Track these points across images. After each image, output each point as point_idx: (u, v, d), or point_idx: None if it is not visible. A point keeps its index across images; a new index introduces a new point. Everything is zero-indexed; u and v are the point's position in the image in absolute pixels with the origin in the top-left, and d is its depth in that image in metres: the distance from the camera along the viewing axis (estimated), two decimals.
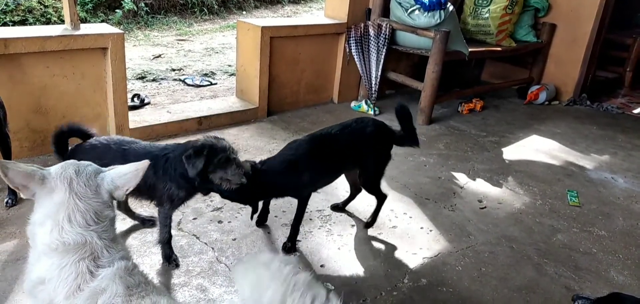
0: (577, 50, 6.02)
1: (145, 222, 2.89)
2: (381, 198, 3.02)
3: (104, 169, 1.44)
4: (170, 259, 2.56)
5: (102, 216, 1.37)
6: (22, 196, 1.36)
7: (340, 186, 3.37)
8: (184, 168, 2.25)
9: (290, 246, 2.75)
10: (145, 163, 1.41)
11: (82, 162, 1.42)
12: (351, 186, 3.16)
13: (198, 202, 3.13)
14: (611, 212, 3.52)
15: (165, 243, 2.55)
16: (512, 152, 4.55)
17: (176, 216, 2.96)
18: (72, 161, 1.41)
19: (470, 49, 5.11)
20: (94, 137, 2.50)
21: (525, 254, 2.93)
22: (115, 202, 1.45)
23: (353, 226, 3.05)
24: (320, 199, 3.31)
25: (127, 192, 1.40)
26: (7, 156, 2.88)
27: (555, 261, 2.88)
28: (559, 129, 5.26)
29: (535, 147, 4.70)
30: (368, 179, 2.92)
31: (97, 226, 1.34)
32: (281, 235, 2.90)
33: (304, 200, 2.73)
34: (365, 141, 2.78)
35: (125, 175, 1.40)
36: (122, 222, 2.83)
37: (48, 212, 1.32)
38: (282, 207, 3.18)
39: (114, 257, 1.34)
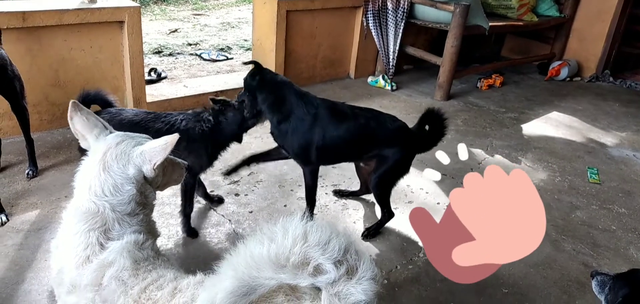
0: (601, 25, 5.86)
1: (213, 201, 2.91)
2: (387, 214, 2.73)
3: (144, 141, 1.41)
4: (190, 232, 2.60)
5: (121, 189, 1.36)
6: (81, 144, 1.42)
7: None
8: (218, 124, 2.43)
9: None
10: (174, 136, 1.35)
11: (132, 134, 1.42)
12: (362, 185, 3.01)
13: (215, 175, 3.15)
14: (632, 190, 3.45)
15: (187, 215, 2.58)
16: (532, 128, 4.47)
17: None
18: (125, 133, 1.41)
19: (490, 24, 5.00)
20: (111, 108, 2.51)
21: None
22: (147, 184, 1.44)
23: (369, 201, 3.05)
24: (337, 174, 3.31)
25: (155, 166, 1.37)
26: (26, 128, 2.92)
27: (573, 238, 2.84)
28: (580, 105, 5.15)
29: (555, 124, 4.61)
30: (379, 183, 2.62)
31: (112, 197, 1.35)
32: (298, 208, 2.91)
33: (309, 173, 2.63)
34: (389, 137, 2.55)
35: (153, 149, 1.36)
36: None
37: (82, 176, 1.37)
38: (299, 181, 3.18)
39: (126, 230, 1.35)
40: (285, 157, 2.74)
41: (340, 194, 3.09)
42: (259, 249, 0.99)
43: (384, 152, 2.55)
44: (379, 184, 2.63)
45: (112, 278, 1.26)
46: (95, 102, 2.51)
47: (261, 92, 2.48)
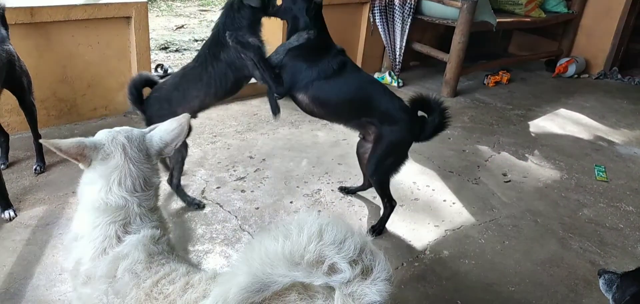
0: (610, 21, 5.81)
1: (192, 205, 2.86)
2: (388, 204, 2.67)
3: (146, 130, 1.48)
4: (193, 203, 2.75)
5: (150, 182, 1.43)
6: (81, 166, 1.40)
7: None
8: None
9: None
10: (185, 116, 1.46)
11: (127, 128, 1.45)
12: (365, 178, 2.95)
13: (221, 171, 3.16)
14: None
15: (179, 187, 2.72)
16: (539, 125, 4.45)
17: (200, 184, 3.00)
18: (119, 128, 1.44)
19: (498, 20, 4.98)
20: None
21: (549, 228, 2.88)
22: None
23: (374, 197, 3.04)
24: (342, 171, 3.30)
25: (177, 146, 1.46)
26: (33, 124, 2.93)
27: (580, 236, 2.83)
28: (588, 102, 5.11)
29: (562, 121, 4.58)
30: (377, 168, 2.56)
31: (142, 193, 1.40)
32: (303, 204, 2.92)
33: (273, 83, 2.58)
34: (389, 111, 2.50)
35: (172, 131, 1.44)
36: None
37: (101, 174, 1.37)
38: (304, 178, 3.18)
39: (145, 225, 1.38)
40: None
41: (346, 191, 3.08)
42: (273, 246, 0.99)
43: (382, 128, 2.51)
44: (377, 170, 2.57)
45: (126, 271, 1.28)
46: (145, 85, 2.64)
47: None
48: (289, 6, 2.57)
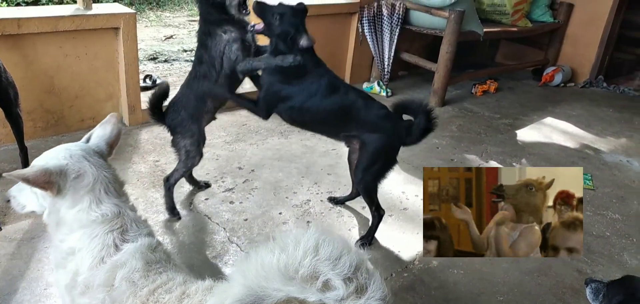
0: (595, 30, 5.90)
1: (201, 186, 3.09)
2: (376, 213, 2.66)
3: (83, 140, 1.51)
4: (171, 210, 2.76)
5: (122, 183, 1.48)
6: (47, 196, 1.36)
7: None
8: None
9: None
10: (112, 115, 1.55)
11: (67, 145, 1.45)
12: (354, 186, 2.95)
13: (209, 181, 3.15)
14: (626, 196, 3.47)
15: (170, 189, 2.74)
16: (526, 134, 4.49)
17: (188, 196, 2.99)
18: (59, 148, 1.43)
19: (485, 29, 5.03)
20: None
21: None
22: None
23: (363, 207, 3.05)
24: (331, 181, 3.31)
25: (117, 145, 1.53)
26: (20, 136, 2.90)
27: None
28: (574, 111, 5.17)
29: (549, 130, 4.63)
30: (364, 175, 2.55)
31: (123, 196, 1.46)
32: (292, 215, 2.91)
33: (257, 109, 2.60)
34: (372, 120, 2.51)
35: (105, 135, 1.50)
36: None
37: (83, 191, 1.36)
38: (294, 188, 3.18)
39: (141, 232, 1.40)
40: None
41: (335, 201, 3.08)
42: (269, 259, 0.99)
43: (365, 136, 2.52)
44: (364, 177, 2.56)
45: (123, 279, 1.29)
46: (164, 99, 2.67)
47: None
48: (274, 28, 2.49)
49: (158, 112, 2.65)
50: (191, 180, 3.07)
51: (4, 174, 1.37)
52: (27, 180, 1.29)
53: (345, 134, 2.61)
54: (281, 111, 2.58)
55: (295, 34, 2.45)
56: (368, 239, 2.71)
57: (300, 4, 2.55)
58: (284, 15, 2.47)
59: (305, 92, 2.49)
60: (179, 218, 2.78)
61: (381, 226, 2.73)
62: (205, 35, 2.53)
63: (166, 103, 2.71)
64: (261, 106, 2.58)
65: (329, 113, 2.51)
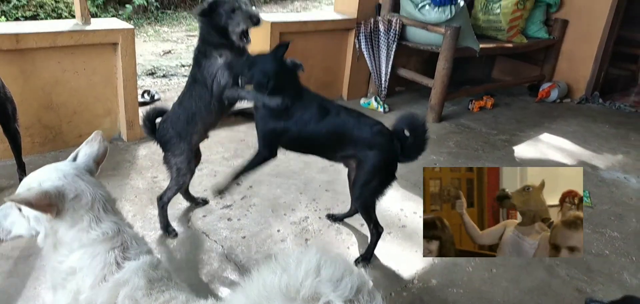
0: (589, 47, 5.95)
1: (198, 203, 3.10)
2: (374, 230, 2.65)
3: (69, 159, 1.51)
4: (167, 229, 2.75)
5: (112, 199, 1.47)
6: (48, 217, 1.34)
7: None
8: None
9: (222, 190, 2.64)
10: (96, 133, 1.56)
11: (56, 165, 1.44)
12: (352, 201, 2.93)
13: (207, 198, 3.14)
14: (624, 213, 3.47)
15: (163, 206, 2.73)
16: (523, 150, 4.51)
17: (186, 212, 2.97)
18: (49, 167, 1.42)
19: (481, 46, 5.07)
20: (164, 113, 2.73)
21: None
22: None
23: (362, 225, 3.04)
24: (330, 198, 3.30)
25: (103, 159, 1.54)
26: (17, 152, 2.90)
27: (566, 263, 2.85)
28: (571, 127, 5.20)
29: (546, 146, 4.65)
30: (361, 192, 2.55)
31: (118, 213, 1.45)
32: (290, 233, 2.90)
33: (259, 155, 2.59)
34: (367, 138, 2.49)
35: (93, 153, 1.51)
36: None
37: (82, 211, 1.36)
38: (292, 205, 3.17)
39: (142, 250, 1.40)
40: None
41: (333, 218, 3.07)
42: (271, 278, 0.98)
43: (361, 154, 2.51)
44: (361, 194, 2.56)
45: (126, 297, 1.28)
46: (157, 116, 2.69)
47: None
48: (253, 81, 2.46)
49: (151, 126, 2.66)
50: (189, 196, 3.06)
51: (5, 199, 1.35)
52: (30, 204, 1.27)
53: (342, 154, 2.60)
54: (281, 144, 2.60)
55: (268, 82, 2.41)
56: (367, 257, 2.69)
57: (279, 45, 2.53)
58: (254, 65, 2.45)
59: (299, 122, 2.49)
60: (176, 235, 2.76)
61: (380, 243, 2.72)
62: (201, 55, 2.53)
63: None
64: (262, 151, 2.58)
65: (325, 136, 2.52)
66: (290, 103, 2.44)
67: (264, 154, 2.59)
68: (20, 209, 1.39)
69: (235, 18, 2.43)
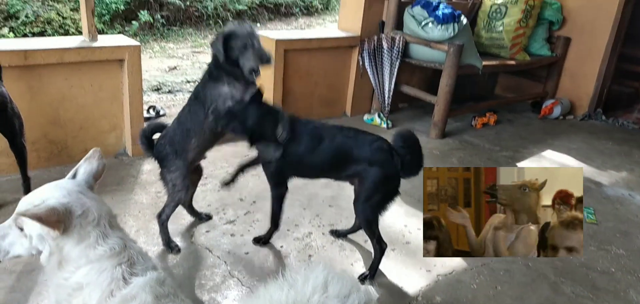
0: (592, 64, 5.96)
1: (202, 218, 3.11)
2: (378, 246, 2.64)
3: (69, 176, 1.54)
4: (169, 245, 2.76)
5: (113, 215, 1.48)
6: (55, 234, 1.34)
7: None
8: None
9: (263, 240, 2.87)
10: (94, 150, 1.58)
11: (57, 183, 1.46)
12: (356, 216, 2.92)
13: (211, 214, 3.14)
14: (629, 230, 3.46)
15: (164, 223, 2.74)
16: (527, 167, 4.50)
17: (189, 228, 2.98)
18: (51, 185, 1.44)
19: (483, 63, 5.09)
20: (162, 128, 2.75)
21: (541, 273, 2.88)
22: None
23: (366, 241, 3.03)
24: (333, 213, 3.30)
25: (101, 175, 1.55)
26: (23, 166, 2.92)
27: (572, 280, 2.83)
28: (574, 144, 5.20)
29: (549, 163, 4.65)
30: (364, 208, 2.58)
31: (122, 229, 1.47)
32: (294, 249, 2.90)
33: (275, 195, 2.74)
34: (367, 156, 2.54)
35: (93, 170, 1.53)
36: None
37: (90, 227, 1.37)
38: (295, 221, 3.18)
39: (148, 266, 1.41)
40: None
41: (336, 234, 3.07)
42: (278, 295, 0.99)
43: (363, 171, 2.55)
44: (364, 210, 2.59)
45: None
46: (155, 132, 2.72)
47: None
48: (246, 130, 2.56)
49: (147, 142, 2.67)
50: (192, 211, 3.07)
51: (17, 214, 1.36)
52: (40, 219, 1.28)
53: (345, 174, 2.65)
54: (289, 177, 2.73)
55: (251, 135, 2.56)
56: (371, 273, 2.69)
57: (256, 92, 2.57)
58: (234, 119, 2.52)
59: (299, 153, 2.58)
60: (179, 251, 2.76)
61: (384, 259, 2.71)
62: (210, 76, 2.58)
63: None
64: (274, 191, 2.75)
65: (326, 161, 2.60)
66: (281, 147, 2.56)
67: (278, 192, 2.74)
68: (21, 229, 1.38)
69: (246, 54, 2.49)
